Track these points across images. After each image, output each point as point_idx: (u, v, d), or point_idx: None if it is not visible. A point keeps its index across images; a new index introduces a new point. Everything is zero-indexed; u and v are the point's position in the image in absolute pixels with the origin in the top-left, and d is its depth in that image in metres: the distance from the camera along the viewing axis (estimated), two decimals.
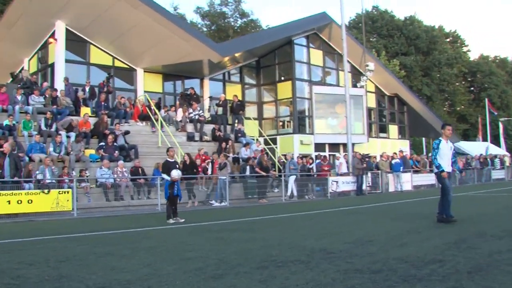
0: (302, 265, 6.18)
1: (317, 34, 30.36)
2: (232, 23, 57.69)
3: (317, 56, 30.64)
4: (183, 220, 12.62)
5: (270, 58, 30.11)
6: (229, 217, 13.72)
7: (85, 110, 21.37)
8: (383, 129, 35.34)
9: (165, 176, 12.95)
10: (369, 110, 33.55)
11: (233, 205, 19.00)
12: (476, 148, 42.45)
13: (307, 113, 29.62)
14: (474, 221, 10.69)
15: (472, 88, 73.07)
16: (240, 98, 29.27)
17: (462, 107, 69.03)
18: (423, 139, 47.96)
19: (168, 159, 13.20)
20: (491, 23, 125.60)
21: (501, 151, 47.22)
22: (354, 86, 31.40)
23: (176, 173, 12.65)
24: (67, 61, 23.28)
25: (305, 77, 29.83)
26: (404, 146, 35.46)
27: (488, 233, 8.54)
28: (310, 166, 23.35)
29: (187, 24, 28.05)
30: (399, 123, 36.40)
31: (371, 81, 33.12)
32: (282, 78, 29.73)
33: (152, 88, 26.23)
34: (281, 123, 29.96)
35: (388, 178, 26.14)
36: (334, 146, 29.22)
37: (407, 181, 27.14)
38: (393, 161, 26.53)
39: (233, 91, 28.36)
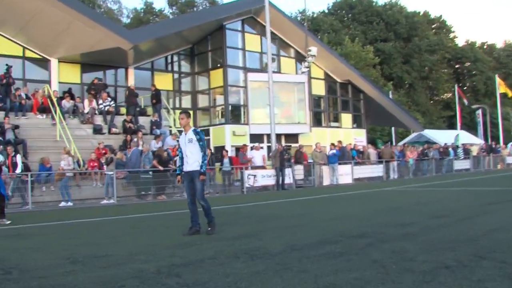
0: None
1: (254, 18, 28.35)
2: None
3: (254, 41, 28.57)
4: (9, 222, 11.18)
5: (204, 44, 28.12)
6: (74, 218, 12.21)
7: None
8: (336, 118, 33.31)
9: None
10: (318, 98, 31.56)
11: (122, 202, 17.30)
12: (444, 137, 40.23)
13: (242, 102, 27.70)
14: (292, 231, 8.74)
15: (460, 77, 70.61)
16: (171, 87, 27.56)
17: (447, 95, 66.65)
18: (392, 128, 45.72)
19: None
20: (481, 9, 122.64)
21: (476, 140, 44.91)
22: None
23: None
24: None
25: (240, 64, 27.85)
26: (359, 135, 33.49)
27: (268, 248, 6.57)
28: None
29: (90, 10, 25.89)
30: (354, 111, 34.27)
31: (318, 67, 31.13)
32: (218, 65, 27.69)
33: (69, 79, 24.29)
34: (214, 114, 28.02)
35: (322, 171, 24.19)
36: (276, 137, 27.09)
37: (347, 173, 25.18)
38: (329, 153, 24.56)
39: (163, 80, 26.55)
